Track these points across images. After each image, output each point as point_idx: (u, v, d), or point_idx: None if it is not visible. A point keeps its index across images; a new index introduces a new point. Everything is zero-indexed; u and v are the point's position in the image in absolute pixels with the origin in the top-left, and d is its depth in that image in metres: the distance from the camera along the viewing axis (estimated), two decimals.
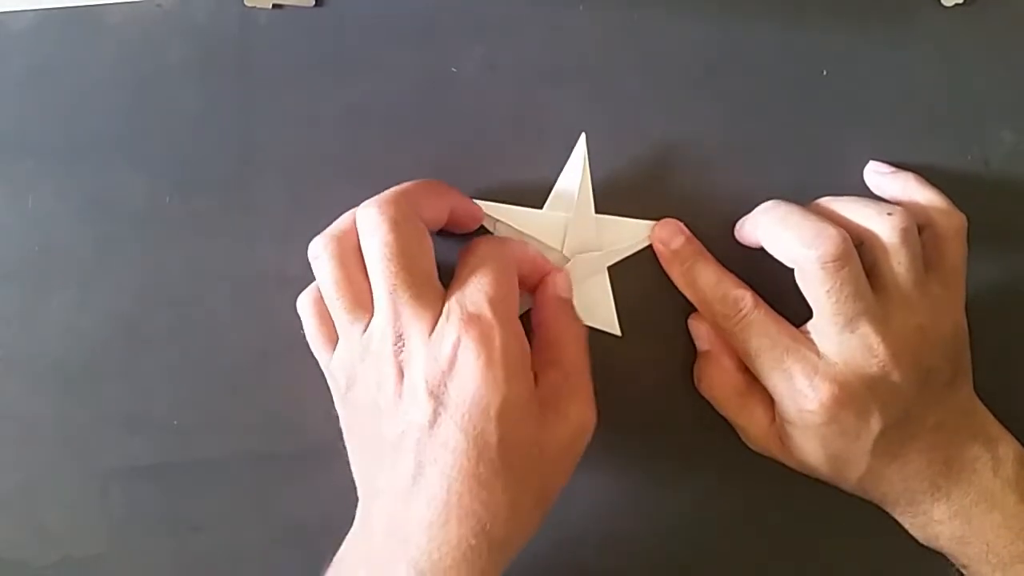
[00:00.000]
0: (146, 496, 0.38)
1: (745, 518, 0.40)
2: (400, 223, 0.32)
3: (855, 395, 0.33)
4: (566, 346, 0.34)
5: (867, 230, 0.34)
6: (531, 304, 0.37)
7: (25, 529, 0.38)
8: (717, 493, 0.39)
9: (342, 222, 0.34)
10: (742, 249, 0.38)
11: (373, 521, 0.32)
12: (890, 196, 0.38)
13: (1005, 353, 0.39)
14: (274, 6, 0.39)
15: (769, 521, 0.40)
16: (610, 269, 0.38)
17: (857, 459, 0.35)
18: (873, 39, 0.40)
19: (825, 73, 0.39)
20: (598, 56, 0.39)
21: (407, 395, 0.31)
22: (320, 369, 0.35)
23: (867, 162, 0.39)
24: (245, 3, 0.38)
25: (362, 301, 0.33)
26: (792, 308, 0.35)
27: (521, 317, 0.37)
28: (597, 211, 0.38)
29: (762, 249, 0.36)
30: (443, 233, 0.36)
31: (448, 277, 0.34)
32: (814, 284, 0.33)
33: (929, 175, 0.38)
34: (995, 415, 0.37)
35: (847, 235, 0.33)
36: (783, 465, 0.37)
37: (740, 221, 0.38)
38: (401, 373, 0.31)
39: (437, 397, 0.30)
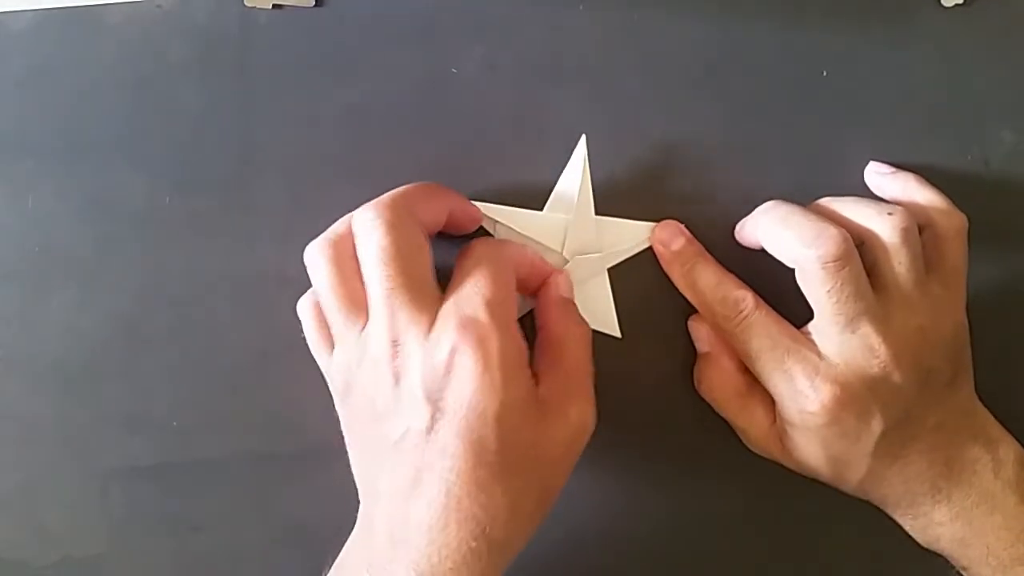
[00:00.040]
0: (146, 496, 0.38)
1: (745, 518, 0.40)
2: (396, 226, 0.32)
3: (856, 396, 0.33)
4: (568, 347, 0.34)
5: (868, 230, 0.34)
6: (532, 306, 0.37)
7: (25, 529, 0.38)
8: (717, 493, 0.39)
9: (338, 226, 0.34)
10: (742, 250, 0.38)
11: (374, 523, 0.32)
12: (890, 196, 0.38)
13: (1005, 353, 0.39)
14: (274, 6, 0.39)
15: (769, 521, 0.40)
16: (610, 271, 0.38)
17: (858, 461, 0.34)
18: (873, 39, 0.40)
19: (825, 73, 0.39)
20: (598, 56, 0.39)
21: (405, 400, 0.31)
22: (321, 369, 0.35)
23: (867, 162, 0.39)
24: (245, 3, 0.38)
25: (358, 305, 0.33)
26: (793, 309, 0.35)
27: (524, 318, 0.38)
28: (597, 212, 0.38)
29: (762, 250, 0.36)
30: (443, 235, 0.36)
31: (448, 280, 0.34)
32: (815, 284, 0.33)
33: (929, 175, 0.38)
34: (995, 415, 0.37)
35: (848, 235, 0.33)
36: (783, 466, 0.37)
37: (740, 222, 0.38)
38: (397, 378, 0.31)
39: (435, 403, 0.30)
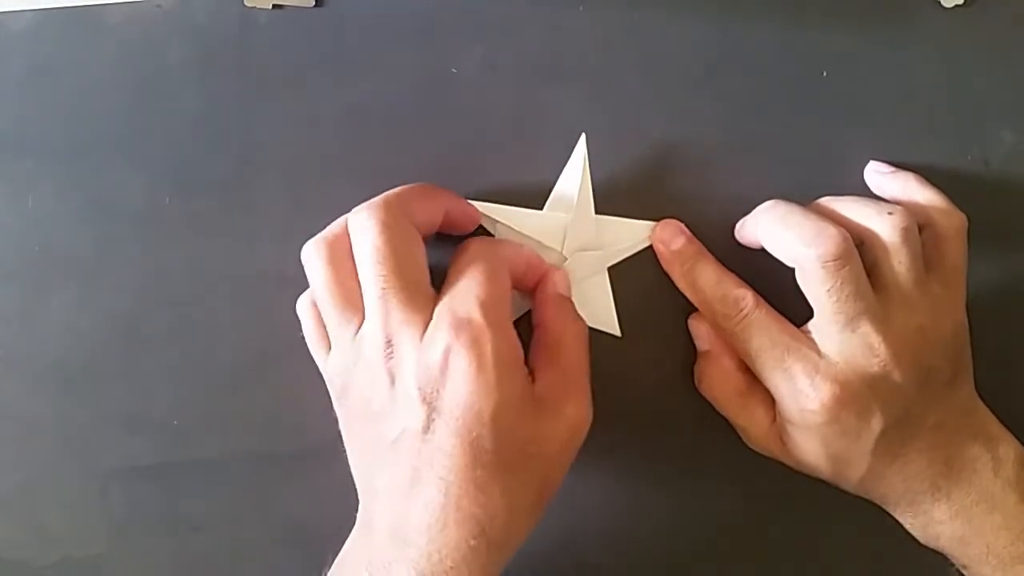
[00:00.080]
0: (146, 496, 0.38)
1: (745, 518, 0.40)
2: (391, 227, 0.32)
3: (856, 395, 0.33)
4: (565, 345, 0.34)
5: (867, 229, 0.35)
6: (530, 306, 0.37)
7: (25, 529, 0.38)
8: (717, 493, 0.39)
9: (335, 226, 0.34)
10: (742, 249, 0.38)
11: (374, 522, 0.32)
12: (890, 196, 0.38)
13: (1005, 353, 0.39)
14: (274, 6, 0.39)
15: (769, 521, 0.40)
16: (610, 270, 0.38)
17: (858, 459, 0.34)
18: (873, 39, 0.40)
19: (825, 73, 0.39)
20: (598, 56, 0.39)
21: (400, 401, 0.31)
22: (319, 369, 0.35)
23: (867, 162, 0.39)
24: (245, 3, 0.38)
25: (353, 304, 0.33)
26: (793, 308, 0.35)
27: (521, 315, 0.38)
28: (597, 212, 0.38)
29: (762, 249, 0.36)
30: (441, 236, 0.36)
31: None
32: (815, 283, 0.33)
33: (929, 175, 0.38)
34: (995, 415, 0.37)
35: (848, 234, 0.33)
36: (783, 465, 0.37)
37: (740, 221, 0.38)
38: (393, 378, 0.31)
39: (430, 403, 0.31)
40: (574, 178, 0.38)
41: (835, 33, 0.40)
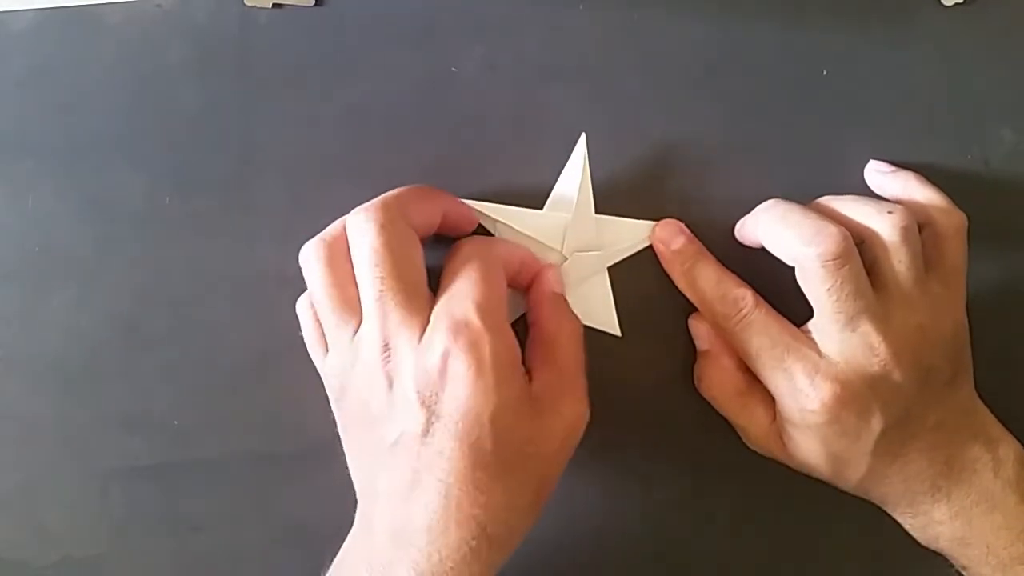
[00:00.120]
0: (146, 496, 0.38)
1: (745, 518, 0.40)
2: (388, 229, 0.32)
3: (856, 394, 0.33)
4: (561, 344, 0.34)
5: (867, 228, 0.35)
6: (526, 308, 0.37)
7: (25, 529, 0.38)
8: (717, 493, 0.39)
9: (333, 228, 0.34)
10: (742, 249, 0.38)
11: (374, 523, 0.32)
12: (891, 195, 0.38)
13: (1005, 353, 0.39)
14: (274, 6, 0.39)
15: (769, 521, 0.40)
16: (610, 269, 0.38)
17: (858, 459, 0.34)
18: (873, 39, 0.40)
19: (825, 73, 0.39)
20: (598, 56, 0.39)
21: (399, 404, 0.31)
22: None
23: (867, 162, 0.39)
24: (245, 3, 0.38)
25: (351, 306, 0.33)
26: (793, 308, 0.35)
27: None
28: (597, 211, 0.38)
29: (762, 249, 0.36)
30: (439, 237, 0.36)
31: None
32: (815, 282, 0.33)
33: (929, 175, 0.38)
34: (995, 415, 0.37)
35: (847, 233, 0.33)
36: (783, 465, 0.37)
37: (740, 221, 0.38)
38: (391, 381, 0.31)
39: (429, 407, 0.30)
40: (574, 178, 0.38)
41: (835, 33, 0.40)
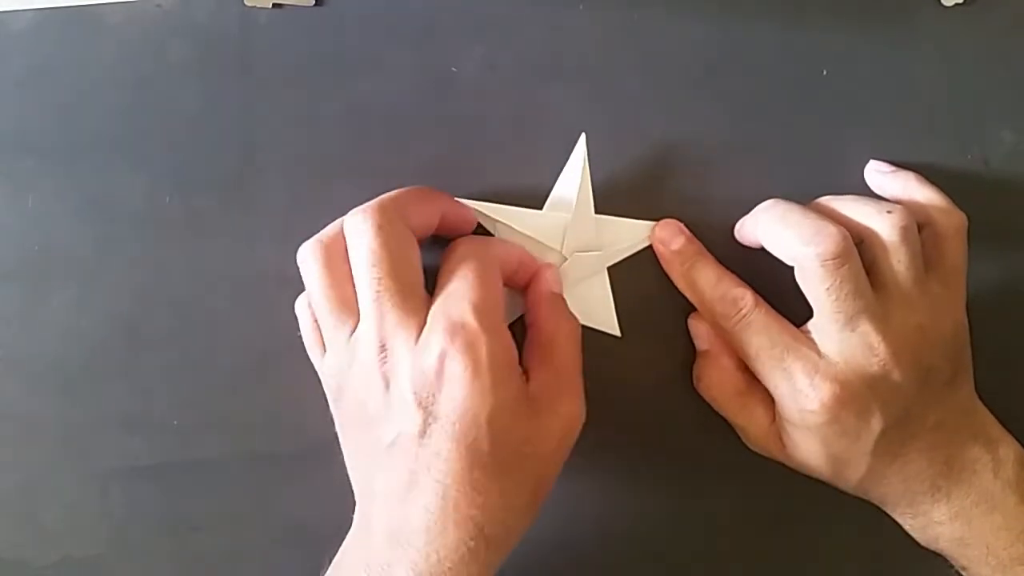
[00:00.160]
0: (146, 496, 0.38)
1: (745, 518, 0.40)
2: (386, 229, 0.32)
3: (856, 394, 0.33)
4: (558, 343, 0.34)
5: (867, 228, 0.35)
6: (524, 309, 0.37)
7: (25, 529, 0.38)
8: (717, 493, 0.39)
9: (331, 228, 0.34)
10: (742, 249, 0.38)
11: (372, 524, 0.32)
12: (890, 195, 0.38)
13: (1005, 353, 0.39)
14: (274, 6, 0.39)
15: (769, 521, 0.40)
16: (610, 269, 0.38)
17: (858, 459, 0.34)
18: (873, 39, 0.40)
19: (825, 73, 0.39)
20: (598, 56, 0.39)
21: (396, 405, 0.31)
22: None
23: (867, 162, 0.39)
24: (245, 3, 0.38)
25: (348, 307, 0.33)
26: (793, 308, 0.35)
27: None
28: (597, 211, 0.38)
29: (762, 249, 0.36)
30: (437, 239, 0.36)
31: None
32: (814, 282, 0.33)
33: (929, 175, 0.38)
34: (995, 415, 0.37)
35: (847, 233, 0.33)
36: (783, 465, 0.37)
37: (740, 221, 0.38)
38: (387, 382, 0.31)
39: (426, 408, 0.31)
40: (574, 178, 0.38)
41: (835, 33, 0.40)
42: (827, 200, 0.37)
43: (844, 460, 0.35)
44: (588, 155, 0.37)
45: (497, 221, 0.37)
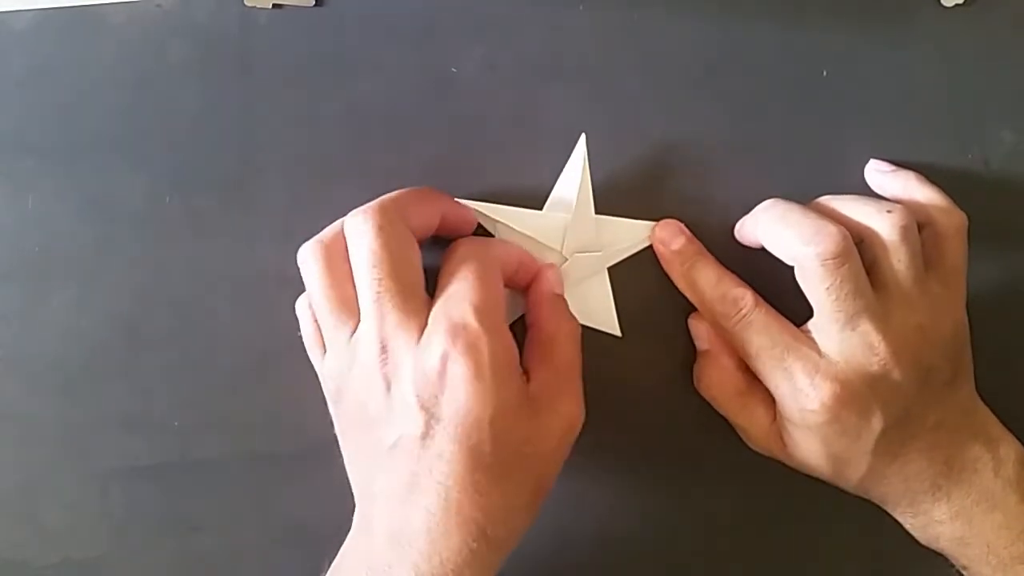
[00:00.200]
0: (146, 496, 0.38)
1: (745, 518, 0.40)
2: (387, 230, 0.32)
3: (856, 394, 0.33)
4: (559, 344, 0.34)
5: (867, 228, 0.35)
6: (524, 309, 0.37)
7: (25, 529, 0.38)
8: (717, 493, 0.39)
9: (331, 229, 0.34)
10: (742, 249, 0.38)
11: (373, 526, 0.32)
12: (891, 194, 0.38)
13: (1005, 353, 0.39)
14: (274, 6, 0.39)
15: (769, 521, 0.40)
16: (610, 270, 0.38)
17: (858, 459, 0.34)
18: (873, 39, 0.40)
19: (825, 73, 0.39)
20: (598, 56, 0.39)
21: (398, 407, 0.31)
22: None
23: (867, 162, 0.39)
24: (245, 3, 0.38)
25: (348, 308, 0.33)
26: (793, 308, 0.35)
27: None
28: (597, 212, 0.38)
29: (762, 249, 0.36)
30: (438, 240, 0.36)
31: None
32: (814, 281, 0.33)
33: (929, 174, 0.38)
34: (995, 415, 0.36)
35: (847, 232, 0.33)
36: (783, 465, 0.37)
37: (740, 221, 0.38)
38: (389, 384, 0.31)
39: (429, 410, 0.30)
40: (574, 178, 0.38)
41: (835, 33, 0.40)
42: (827, 200, 0.37)
43: (844, 459, 0.35)
44: (588, 155, 0.37)
45: (497, 221, 0.37)
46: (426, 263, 0.34)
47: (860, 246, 0.34)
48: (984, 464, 0.35)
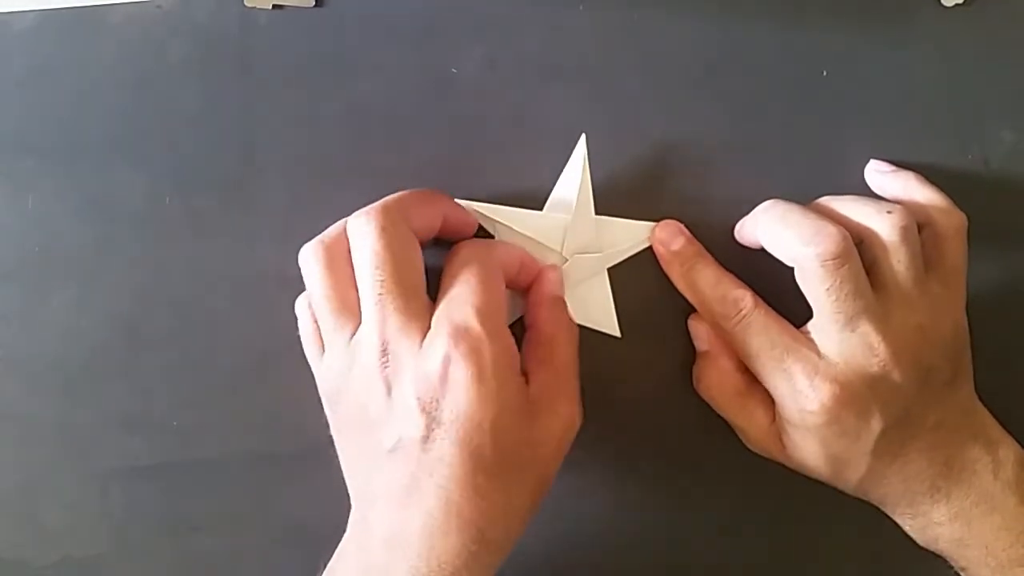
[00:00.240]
0: (146, 496, 0.38)
1: (745, 518, 0.40)
2: (389, 232, 0.32)
3: (856, 395, 0.33)
4: (558, 346, 0.34)
5: (867, 228, 0.34)
6: (524, 311, 0.37)
7: (25, 529, 0.38)
8: (717, 493, 0.39)
9: (333, 229, 0.34)
10: (742, 250, 0.38)
11: (370, 527, 0.32)
12: (891, 195, 0.38)
13: (1005, 353, 0.39)
14: (274, 6, 0.39)
15: (769, 521, 0.40)
16: (610, 270, 0.38)
17: (857, 460, 0.34)
18: (873, 39, 0.40)
19: (825, 73, 0.39)
20: (598, 56, 0.39)
21: (398, 410, 0.31)
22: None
23: (867, 162, 0.39)
24: (245, 3, 0.38)
25: (349, 308, 0.33)
26: (793, 308, 0.35)
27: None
28: (597, 212, 0.38)
29: (762, 249, 0.36)
30: (439, 242, 0.36)
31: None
32: (814, 282, 0.33)
33: (929, 175, 0.38)
34: (995, 415, 0.36)
35: (846, 233, 0.33)
36: (783, 466, 0.37)
37: (740, 222, 0.38)
38: (389, 387, 0.31)
39: (430, 413, 0.30)
40: (574, 178, 0.38)
41: (835, 33, 0.40)
42: (827, 200, 0.37)
43: (844, 460, 0.35)
44: (588, 155, 0.37)
45: (497, 222, 0.37)
46: (427, 265, 0.34)
47: (860, 247, 0.34)
48: (983, 466, 0.35)
